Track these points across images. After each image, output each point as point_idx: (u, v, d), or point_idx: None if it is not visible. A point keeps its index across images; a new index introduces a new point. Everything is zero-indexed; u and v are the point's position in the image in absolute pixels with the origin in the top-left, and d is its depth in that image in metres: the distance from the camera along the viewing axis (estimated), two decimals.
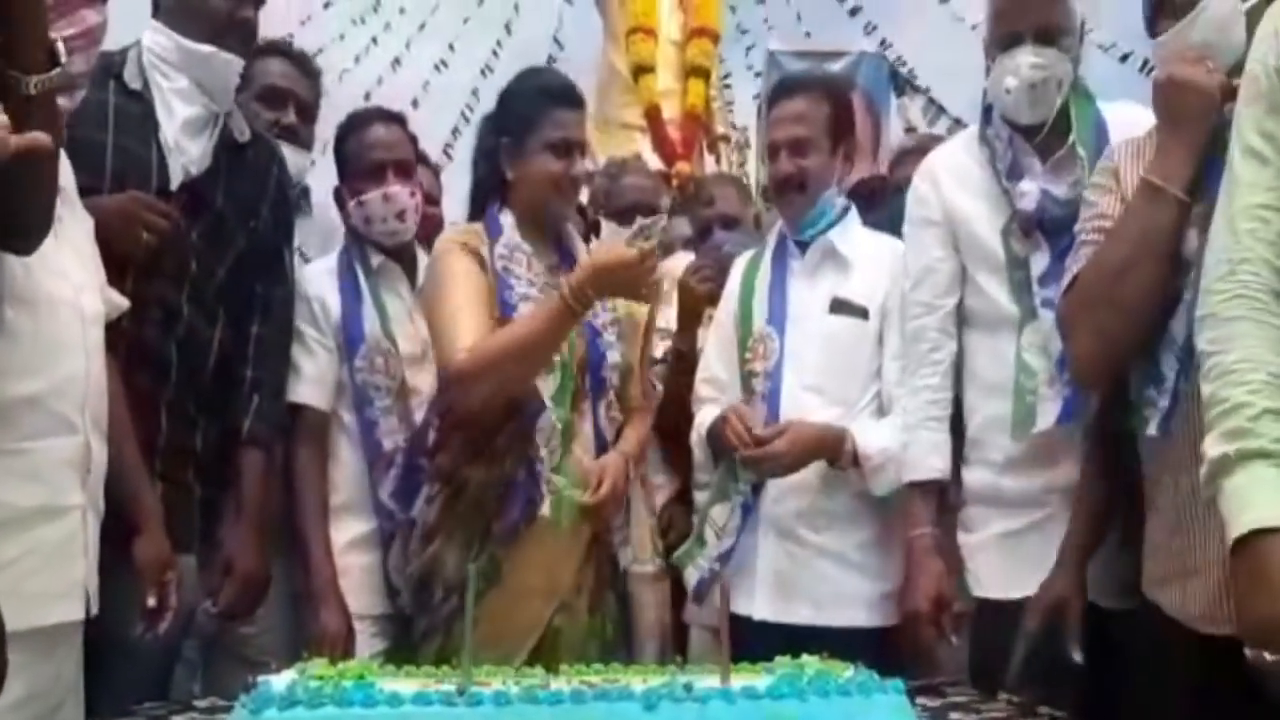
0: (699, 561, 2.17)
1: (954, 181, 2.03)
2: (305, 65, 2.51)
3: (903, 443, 2.03)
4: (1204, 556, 1.51)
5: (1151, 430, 1.57)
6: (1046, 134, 1.94)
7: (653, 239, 1.89)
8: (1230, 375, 1.33)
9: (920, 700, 1.66)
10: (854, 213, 2.29)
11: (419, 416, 2.26)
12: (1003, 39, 1.95)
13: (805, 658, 1.31)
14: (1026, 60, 1.91)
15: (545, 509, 1.96)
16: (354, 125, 2.42)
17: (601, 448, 2.07)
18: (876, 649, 1.91)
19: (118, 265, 1.76)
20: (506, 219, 2.05)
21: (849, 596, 2.07)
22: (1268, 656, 1.23)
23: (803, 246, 2.23)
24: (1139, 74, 4.01)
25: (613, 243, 1.98)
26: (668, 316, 2.65)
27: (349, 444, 2.27)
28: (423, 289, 2.08)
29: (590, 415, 2.06)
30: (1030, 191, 1.90)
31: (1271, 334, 1.33)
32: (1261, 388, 1.30)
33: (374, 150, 2.34)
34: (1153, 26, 1.77)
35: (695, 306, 2.40)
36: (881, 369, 2.14)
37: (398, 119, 2.47)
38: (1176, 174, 1.57)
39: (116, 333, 1.73)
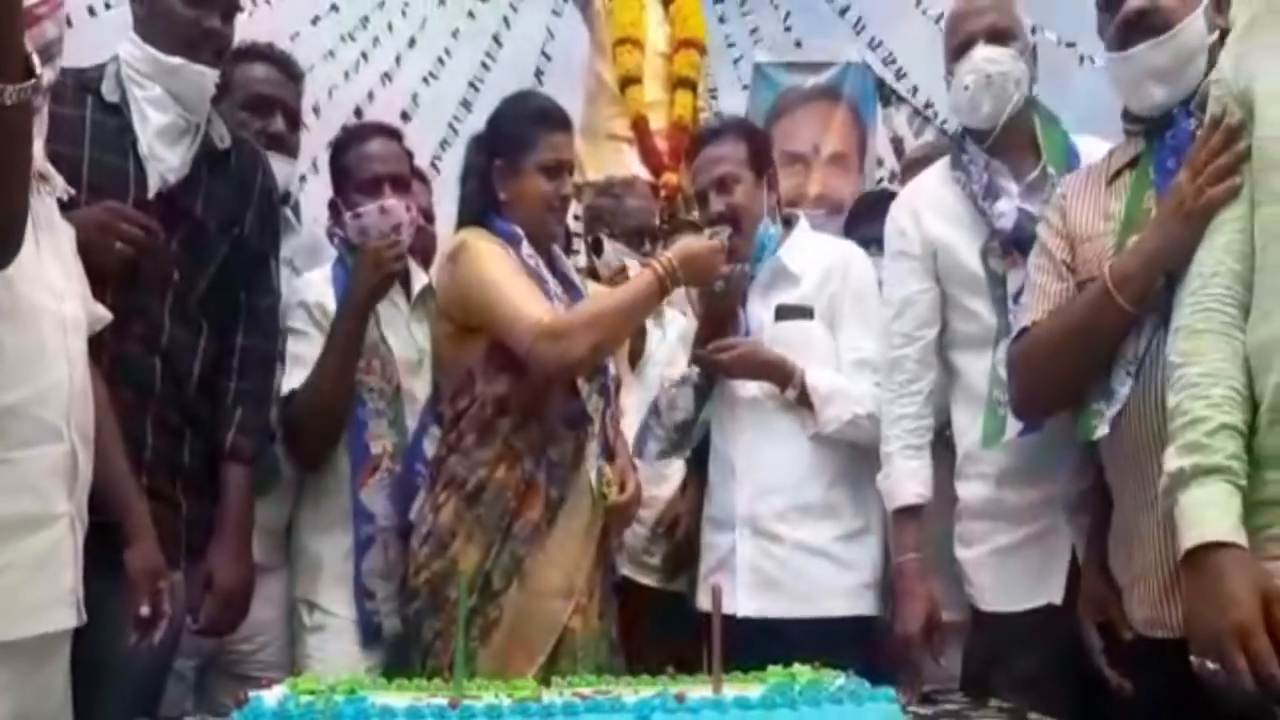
0: None
1: (933, 212, 2.07)
2: (289, 68, 2.47)
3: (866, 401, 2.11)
4: (1144, 563, 1.55)
5: (1097, 434, 1.60)
6: (1016, 155, 1.99)
7: (724, 239, 2.12)
8: (1194, 388, 1.36)
9: (911, 708, 1.67)
10: (802, 224, 2.36)
11: (413, 423, 2.26)
12: (958, 47, 2.03)
13: (797, 666, 1.31)
14: (981, 54, 1.98)
15: (588, 499, 2.03)
16: (352, 139, 2.43)
17: (607, 455, 2.11)
18: (856, 637, 2.01)
19: (98, 278, 1.74)
20: (518, 230, 2.09)
21: (827, 588, 2.12)
22: (1210, 665, 1.25)
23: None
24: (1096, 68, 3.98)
25: (695, 237, 2.25)
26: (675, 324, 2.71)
27: (345, 452, 2.25)
28: (451, 278, 2.06)
29: (599, 422, 2.10)
30: (1008, 211, 1.95)
31: (1238, 348, 1.36)
32: (1221, 402, 1.33)
33: (371, 163, 2.34)
34: (1115, 42, 1.75)
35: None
36: (841, 365, 2.18)
37: (395, 133, 2.47)
38: (1137, 278, 1.54)
39: (99, 346, 1.71)
